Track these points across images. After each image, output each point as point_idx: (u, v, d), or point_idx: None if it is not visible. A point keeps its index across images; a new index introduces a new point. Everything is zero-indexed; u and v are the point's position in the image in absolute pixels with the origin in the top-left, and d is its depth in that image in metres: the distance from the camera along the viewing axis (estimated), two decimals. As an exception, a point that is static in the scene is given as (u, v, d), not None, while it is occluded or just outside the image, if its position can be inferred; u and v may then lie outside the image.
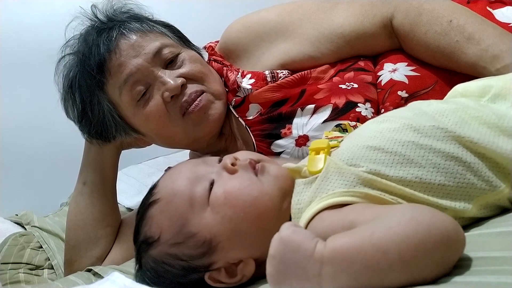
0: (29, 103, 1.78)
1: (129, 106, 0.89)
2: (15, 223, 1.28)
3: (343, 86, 0.87)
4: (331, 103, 0.85)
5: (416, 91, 0.84)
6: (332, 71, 0.91)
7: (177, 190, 0.62)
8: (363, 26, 0.89)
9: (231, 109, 0.95)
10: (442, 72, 0.85)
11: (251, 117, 0.93)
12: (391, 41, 0.90)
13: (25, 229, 1.24)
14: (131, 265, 0.70)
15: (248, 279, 0.61)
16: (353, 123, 0.83)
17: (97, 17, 0.93)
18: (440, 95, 0.77)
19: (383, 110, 0.85)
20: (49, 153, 1.78)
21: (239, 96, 0.94)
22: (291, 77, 0.90)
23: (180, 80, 0.87)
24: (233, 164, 0.64)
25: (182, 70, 0.89)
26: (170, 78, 0.87)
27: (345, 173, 0.57)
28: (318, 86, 0.89)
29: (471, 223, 0.55)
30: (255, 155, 0.67)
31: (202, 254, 0.60)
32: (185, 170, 0.66)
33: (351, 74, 0.89)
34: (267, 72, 0.91)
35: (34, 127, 1.78)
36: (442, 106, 0.61)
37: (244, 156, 0.66)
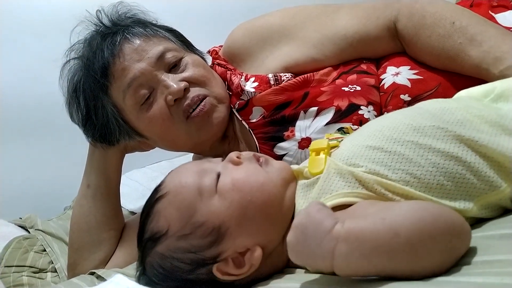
0: (32, 106, 1.78)
1: (132, 110, 0.90)
2: (19, 226, 1.28)
3: (346, 89, 0.87)
4: (334, 106, 0.86)
5: (418, 94, 0.84)
6: (334, 74, 0.91)
7: (185, 181, 0.64)
8: (366, 28, 0.89)
9: (235, 112, 0.96)
10: (445, 74, 0.85)
11: (254, 120, 0.93)
12: (394, 44, 0.91)
13: (29, 232, 1.24)
14: (134, 268, 0.70)
15: (256, 268, 0.61)
16: (356, 126, 0.83)
17: (101, 22, 0.94)
18: (443, 98, 0.76)
19: (385, 113, 0.85)
20: (52, 157, 1.79)
21: (243, 100, 0.94)
22: (294, 80, 0.91)
23: (183, 84, 0.88)
24: (238, 157, 0.66)
25: (185, 74, 0.90)
26: (173, 81, 0.88)
27: (345, 174, 0.57)
28: (321, 88, 0.89)
29: (472, 223, 0.55)
30: (258, 154, 0.69)
31: (211, 243, 0.60)
32: (191, 166, 0.68)
33: (354, 76, 0.89)
34: (270, 75, 0.92)
35: (38, 130, 1.79)
36: (444, 104, 0.61)
37: (247, 152, 0.69)
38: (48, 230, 1.22)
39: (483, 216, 0.55)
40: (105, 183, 1.00)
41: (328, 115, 0.86)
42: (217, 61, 1.00)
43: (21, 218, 1.34)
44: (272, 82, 0.92)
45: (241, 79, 0.94)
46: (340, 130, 0.83)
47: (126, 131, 0.95)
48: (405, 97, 0.85)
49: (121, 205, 1.30)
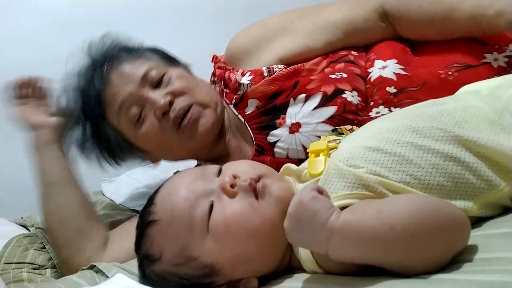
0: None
1: (128, 130, 0.98)
2: (20, 225, 1.28)
3: (333, 76, 0.91)
4: (321, 91, 0.90)
5: (404, 87, 0.88)
6: (324, 63, 0.95)
7: (175, 213, 0.60)
8: (354, 13, 0.96)
9: (231, 108, 1.00)
10: (432, 75, 0.87)
11: (249, 112, 0.97)
12: (384, 27, 0.95)
13: (29, 231, 1.24)
14: (135, 264, 0.70)
15: None
16: (349, 126, 0.84)
17: (91, 56, 1.02)
18: (427, 96, 0.80)
19: (372, 103, 0.89)
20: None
21: (239, 94, 0.98)
22: (285, 70, 0.95)
23: (168, 98, 0.94)
24: (232, 185, 0.61)
25: (169, 88, 0.96)
26: (158, 97, 0.94)
27: (346, 174, 0.57)
28: (311, 77, 0.93)
29: (473, 223, 0.54)
30: (255, 170, 0.64)
31: (204, 276, 0.59)
32: (183, 188, 0.62)
33: (341, 65, 0.93)
34: (263, 68, 0.96)
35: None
36: (442, 107, 0.62)
37: (244, 172, 0.63)
38: (48, 228, 1.23)
39: (483, 215, 0.55)
40: (60, 176, 0.99)
41: (316, 100, 0.90)
42: (218, 64, 1.05)
43: (22, 218, 1.34)
44: (265, 74, 0.96)
45: (237, 74, 0.99)
46: (334, 131, 0.84)
47: (127, 149, 1.03)
48: (391, 89, 0.88)
49: (122, 203, 1.31)
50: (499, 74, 0.84)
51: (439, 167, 0.55)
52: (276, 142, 0.93)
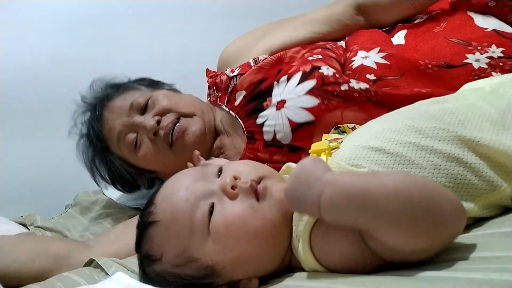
0: (32, 103, 1.78)
1: (130, 156, 1.08)
2: (20, 224, 1.28)
3: (310, 58, 0.98)
4: (300, 71, 0.96)
5: (383, 76, 0.93)
6: (304, 51, 1.03)
7: (176, 214, 0.60)
8: (330, 9, 1.09)
9: (224, 108, 1.06)
10: (412, 66, 0.91)
11: (237, 103, 1.03)
12: (360, 19, 1.07)
13: (29, 229, 1.25)
14: (134, 262, 0.70)
15: None
16: (352, 125, 0.84)
17: (86, 102, 1.15)
18: (406, 85, 0.89)
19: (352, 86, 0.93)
20: (53, 155, 1.79)
21: (229, 91, 1.04)
22: (269, 58, 1.02)
23: (155, 118, 1.03)
24: (233, 187, 0.60)
25: (155, 110, 1.05)
26: (147, 120, 1.04)
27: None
28: (292, 64, 1.00)
29: (473, 222, 0.55)
30: (256, 171, 0.63)
31: (205, 276, 0.59)
32: (183, 188, 0.62)
33: (319, 50, 1.01)
34: (250, 60, 1.04)
35: (38, 128, 1.79)
36: (444, 105, 0.62)
37: (245, 173, 0.62)
38: (46, 226, 1.24)
39: (484, 216, 0.55)
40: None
41: (296, 78, 0.96)
42: (210, 74, 1.13)
43: (22, 216, 1.34)
44: (252, 65, 1.03)
45: (226, 71, 1.06)
46: (337, 129, 0.84)
47: (137, 174, 1.13)
48: (371, 77, 0.93)
49: (123, 202, 1.32)
50: (479, 76, 0.86)
51: (441, 168, 0.55)
52: (264, 122, 0.98)
